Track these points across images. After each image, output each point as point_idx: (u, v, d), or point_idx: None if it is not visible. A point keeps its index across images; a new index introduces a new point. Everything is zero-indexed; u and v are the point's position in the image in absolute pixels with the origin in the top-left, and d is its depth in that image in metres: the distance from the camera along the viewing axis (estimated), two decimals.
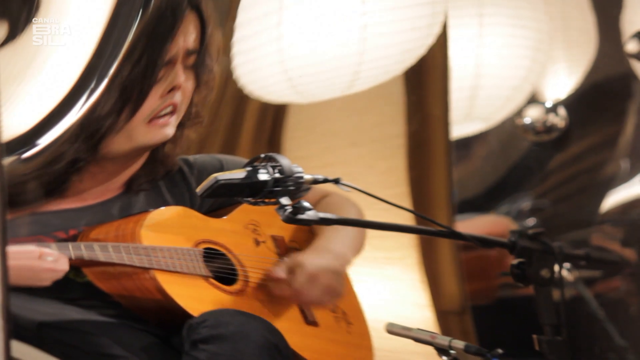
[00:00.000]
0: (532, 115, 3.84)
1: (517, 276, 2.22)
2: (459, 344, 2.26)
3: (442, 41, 3.55)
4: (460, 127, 3.80)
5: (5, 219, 1.71)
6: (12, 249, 2.31)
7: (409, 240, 3.63)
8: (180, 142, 2.62)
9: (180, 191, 2.64)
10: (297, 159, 2.34)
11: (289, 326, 2.51)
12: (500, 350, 2.22)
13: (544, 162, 3.92)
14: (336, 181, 2.28)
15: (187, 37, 2.53)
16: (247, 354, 2.32)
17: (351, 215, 2.73)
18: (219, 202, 2.68)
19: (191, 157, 2.70)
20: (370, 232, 2.76)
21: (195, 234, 2.54)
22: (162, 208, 2.54)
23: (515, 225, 3.87)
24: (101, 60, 2.46)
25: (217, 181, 2.23)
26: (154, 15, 2.48)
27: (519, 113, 3.84)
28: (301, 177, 2.26)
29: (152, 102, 2.51)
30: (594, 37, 3.83)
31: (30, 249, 2.32)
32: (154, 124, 2.52)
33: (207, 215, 2.62)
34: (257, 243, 2.65)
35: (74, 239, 2.48)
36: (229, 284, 2.54)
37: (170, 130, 2.54)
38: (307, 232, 2.73)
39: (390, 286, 3.61)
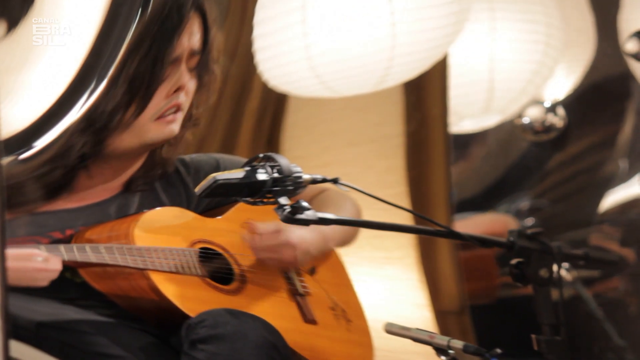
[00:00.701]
0: (531, 115, 3.84)
1: (516, 276, 2.22)
2: (458, 343, 2.26)
3: None
4: (478, 120, 3.80)
5: (5, 220, 1.71)
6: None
7: (408, 240, 3.63)
8: (179, 144, 2.62)
9: (176, 191, 2.64)
10: (296, 158, 2.34)
11: (287, 325, 2.51)
12: (499, 350, 2.22)
13: (543, 162, 3.92)
14: (335, 181, 2.28)
15: (192, 37, 2.54)
16: (245, 353, 2.32)
17: (348, 210, 2.73)
18: (215, 201, 2.68)
19: (187, 157, 2.70)
20: (370, 232, 2.76)
21: (190, 234, 2.54)
22: (157, 209, 2.54)
23: (515, 223, 3.87)
24: (100, 59, 2.46)
25: (215, 181, 2.23)
26: (160, 13, 2.48)
27: (518, 113, 3.84)
28: (300, 177, 2.26)
29: (159, 101, 2.52)
30: (592, 37, 3.83)
31: (19, 251, 2.32)
32: (161, 121, 2.53)
33: (203, 215, 2.62)
34: None
35: (70, 239, 2.47)
36: (226, 283, 2.54)
37: (176, 127, 2.55)
38: None
39: (389, 286, 3.62)
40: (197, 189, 2.25)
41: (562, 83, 3.86)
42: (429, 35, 3.15)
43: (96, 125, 2.47)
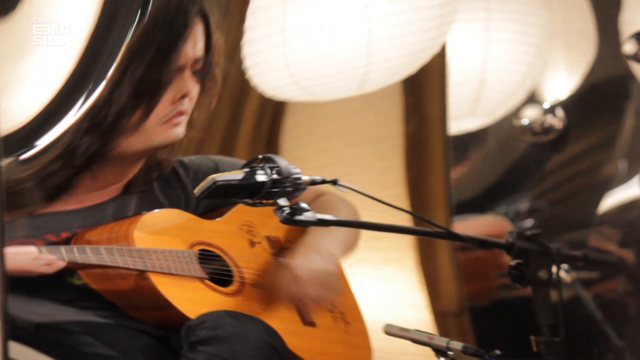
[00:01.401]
0: (530, 116, 3.84)
1: (515, 277, 2.22)
2: (457, 345, 2.26)
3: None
4: (467, 121, 3.80)
5: (4, 221, 1.71)
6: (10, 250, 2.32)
7: (407, 241, 3.63)
8: (178, 147, 2.63)
9: (175, 193, 2.64)
10: (295, 159, 2.34)
11: (286, 327, 2.51)
12: (498, 351, 2.22)
13: (542, 163, 3.92)
14: (334, 182, 2.28)
15: (196, 45, 2.54)
16: (245, 355, 2.32)
17: (345, 214, 2.73)
18: (213, 203, 2.68)
19: (187, 159, 2.71)
20: (368, 233, 2.76)
21: (190, 236, 2.54)
22: (157, 210, 2.54)
23: (512, 226, 3.87)
24: (99, 59, 2.47)
25: (214, 182, 2.23)
26: (164, 18, 2.49)
27: (517, 114, 3.84)
28: (299, 178, 2.26)
29: (165, 106, 2.52)
30: (592, 38, 3.83)
31: (27, 250, 2.32)
32: (167, 125, 2.53)
33: (202, 216, 2.62)
34: (252, 244, 2.65)
35: (66, 241, 2.47)
36: (225, 285, 2.54)
37: (182, 130, 2.56)
38: (302, 232, 2.73)
39: (388, 287, 3.62)
40: (197, 190, 2.25)
41: (561, 84, 3.86)
42: (408, 40, 3.19)
43: (101, 127, 2.47)
